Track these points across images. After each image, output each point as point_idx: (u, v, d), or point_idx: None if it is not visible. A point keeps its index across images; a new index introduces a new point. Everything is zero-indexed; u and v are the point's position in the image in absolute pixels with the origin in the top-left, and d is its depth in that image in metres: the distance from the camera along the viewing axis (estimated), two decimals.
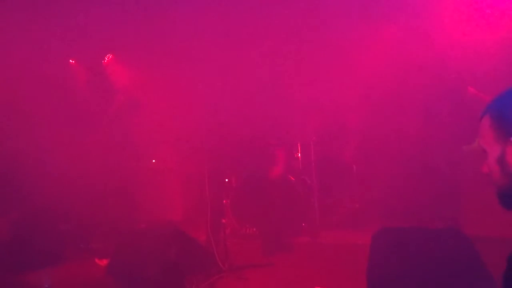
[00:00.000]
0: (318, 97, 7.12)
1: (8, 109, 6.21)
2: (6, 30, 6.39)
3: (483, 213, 5.02)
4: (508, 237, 4.49)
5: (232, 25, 6.92)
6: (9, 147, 6.26)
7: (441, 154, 5.93)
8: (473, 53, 5.70)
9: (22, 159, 6.17)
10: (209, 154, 5.74)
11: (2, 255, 5.33)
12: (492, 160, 1.45)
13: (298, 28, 7.05)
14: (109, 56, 7.53)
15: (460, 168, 5.77)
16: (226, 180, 6.66)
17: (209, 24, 6.94)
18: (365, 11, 6.56)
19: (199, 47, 7.15)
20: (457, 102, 5.75)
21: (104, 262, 5.32)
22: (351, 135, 7.30)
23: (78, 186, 6.30)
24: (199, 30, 7.00)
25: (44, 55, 6.77)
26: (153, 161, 7.77)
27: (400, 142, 6.39)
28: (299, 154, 6.96)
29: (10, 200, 5.89)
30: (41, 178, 6.04)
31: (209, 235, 5.23)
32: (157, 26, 7.00)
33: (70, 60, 7.63)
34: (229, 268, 4.93)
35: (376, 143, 6.75)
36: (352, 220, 6.82)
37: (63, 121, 6.57)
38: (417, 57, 6.25)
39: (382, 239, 3.39)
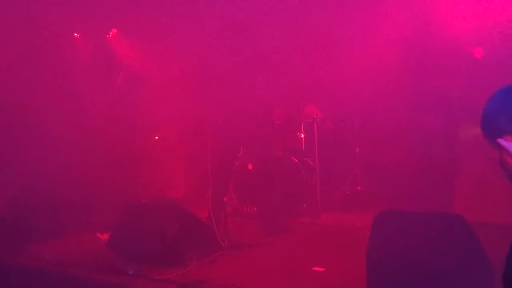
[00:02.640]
0: (323, 79, 7.08)
1: (10, 82, 6.19)
2: (11, 3, 6.33)
3: (483, 199, 5.03)
4: (506, 223, 4.51)
5: (240, 5, 6.84)
6: (12, 120, 6.26)
7: (443, 139, 5.91)
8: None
9: (25, 133, 6.18)
10: (213, 132, 5.72)
11: (4, 227, 5.37)
12: None
13: (307, 10, 6.96)
14: (114, 31, 7.47)
15: (462, 155, 5.76)
16: (229, 158, 6.66)
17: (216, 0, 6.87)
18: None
19: (206, 24, 7.09)
20: (464, 90, 5.69)
21: (105, 236, 5.36)
22: (355, 118, 7.27)
23: (81, 160, 6.32)
24: (206, 7, 6.92)
25: (49, 28, 6.71)
26: (156, 137, 7.78)
27: (403, 127, 6.37)
28: (303, 135, 6.95)
29: (12, 173, 5.91)
30: (44, 151, 6.05)
31: (210, 213, 5.25)
32: (163, 1, 6.93)
33: (75, 34, 7.57)
34: (229, 246, 4.95)
35: (379, 127, 6.73)
36: (353, 202, 6.83)
37: (66, 94, 6.55)
38: (424, 43, 6.19)
39: (383, 221, 3.38)
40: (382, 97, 6.46)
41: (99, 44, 7.54)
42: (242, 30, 6.94)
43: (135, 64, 7.33)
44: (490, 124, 1.47)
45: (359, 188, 7.10)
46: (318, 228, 6.13)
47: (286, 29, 7.15)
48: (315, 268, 4.27)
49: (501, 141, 1.38)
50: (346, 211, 6.66)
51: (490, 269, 2.91)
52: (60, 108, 6.43)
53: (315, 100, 7.15)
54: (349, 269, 4.05)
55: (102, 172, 6.37)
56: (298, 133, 7.00)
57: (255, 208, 6.55)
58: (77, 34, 7.60)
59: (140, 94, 6.96)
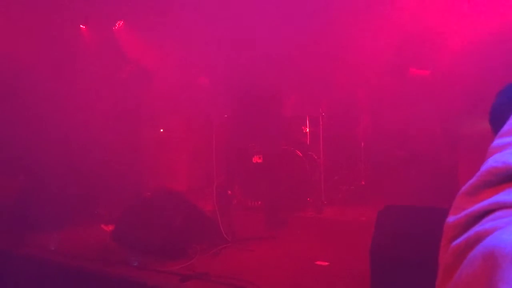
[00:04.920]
0: (329, 73, 7.06)
1: (16, 74, 6.20)
2: None
3: None
4: None
5: None
6: (18, 111, 6.28)
7: (449, 134, 5.89)
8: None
9: (31, 124, 6.19)
10: (217, 125, 5.72)
11: (10, 217, 5.40)
12: None
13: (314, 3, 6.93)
14: (119, 23, 7.47)
15: (468, 149, 5.73)
16: (234, 152, 6.66)
17: None
18: None
19: (212, 17, 7.07)
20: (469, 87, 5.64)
21: (109, 227, 5.38)
22: (361, 112, 7.26)
23: (86, 151, 6.34)
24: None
25: (55, 20, 6.71)
26: (161, 130, 7.79)
27: (408, 122, 6.35)
28: (308, 129, 6.93)
29: (18, 163, 5.94)
30: (49, 142, 6.07)
31: (214, 206, 5.25)
32: None
33: (81, 25, 7.56)
34: (233, 239, 4.96)
35: (384, 121, 6.71)
36: (357, 197, 6.83)
37: (72, 86, 6.56)
38: (430, 37, 6.14)
39: (387, 216, 3.37)
40: (387, 92, 6.43)
41: (105, 36, 7.53)
42: (250, 22, 6.92)
43: (140, 56, 7.31)
44: (499, 118, 1.46)
45: (363, 182, 7.09)
46: (322, 222, 6.13)
47: (293, 25, 7.12)
48: (319, 263, 4.27)
49: None
50: (350, 205, 6.66)
51: None
52: (66, 100, 6.44)
53: (322, 93, 7.13)
54: (353, 264, 4.05)
55: (107, 164, 6.39)
56: (303, 127, 6.99)
57: (259, 202, 6.55)
58: (83, 25, 7.60)
59: (147, 87, 6.96)
